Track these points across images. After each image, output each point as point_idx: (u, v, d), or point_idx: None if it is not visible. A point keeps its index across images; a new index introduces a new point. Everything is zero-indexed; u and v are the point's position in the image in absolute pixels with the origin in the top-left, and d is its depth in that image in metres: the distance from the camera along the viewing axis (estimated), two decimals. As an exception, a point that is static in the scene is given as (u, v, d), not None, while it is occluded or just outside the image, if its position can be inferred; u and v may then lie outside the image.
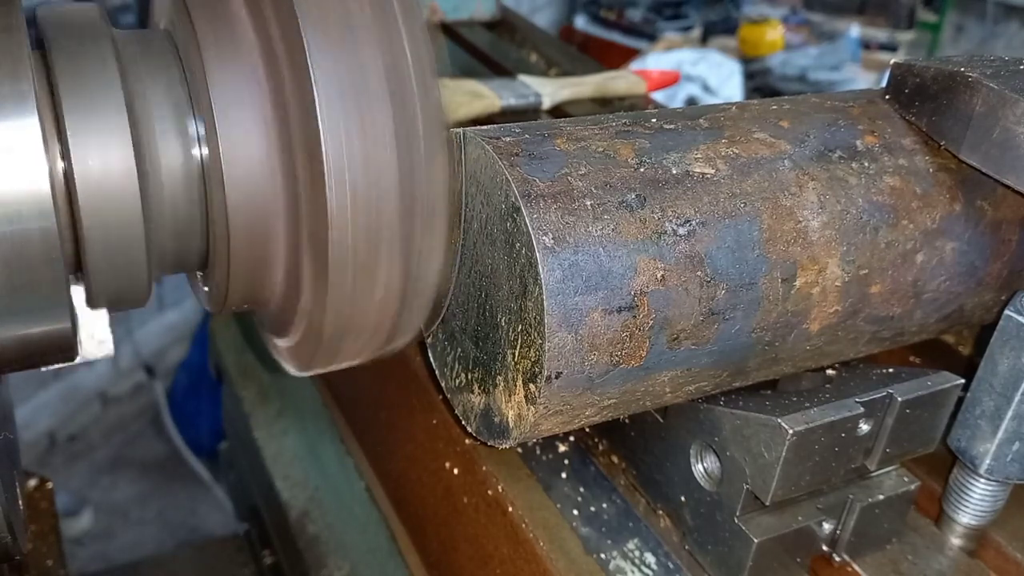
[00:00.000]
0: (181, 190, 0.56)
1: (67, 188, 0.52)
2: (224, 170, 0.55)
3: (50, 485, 1.07)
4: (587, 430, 0.84)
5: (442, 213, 0.56)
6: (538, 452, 0.82)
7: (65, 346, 0.56)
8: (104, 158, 0.52)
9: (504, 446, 0.69)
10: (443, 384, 0.76)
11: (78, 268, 0.55)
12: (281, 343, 0.65)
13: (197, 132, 0.56)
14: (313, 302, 0.57)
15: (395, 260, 0.55)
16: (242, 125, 0.55)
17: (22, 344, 0.54)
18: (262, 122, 0.55)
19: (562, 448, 0.83)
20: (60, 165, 0.51)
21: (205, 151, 0.56)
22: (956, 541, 0.75)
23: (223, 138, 0.55)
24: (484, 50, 1.62)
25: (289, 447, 1.44)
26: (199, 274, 0.66)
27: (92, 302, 0.58)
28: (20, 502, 0.67)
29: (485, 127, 0.68)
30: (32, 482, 1.07)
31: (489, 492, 0.79)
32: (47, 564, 1.00)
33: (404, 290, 0.57)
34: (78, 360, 0.63)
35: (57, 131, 0.51)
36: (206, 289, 0.64)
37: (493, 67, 1.55)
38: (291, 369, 0.66)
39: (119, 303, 0.58)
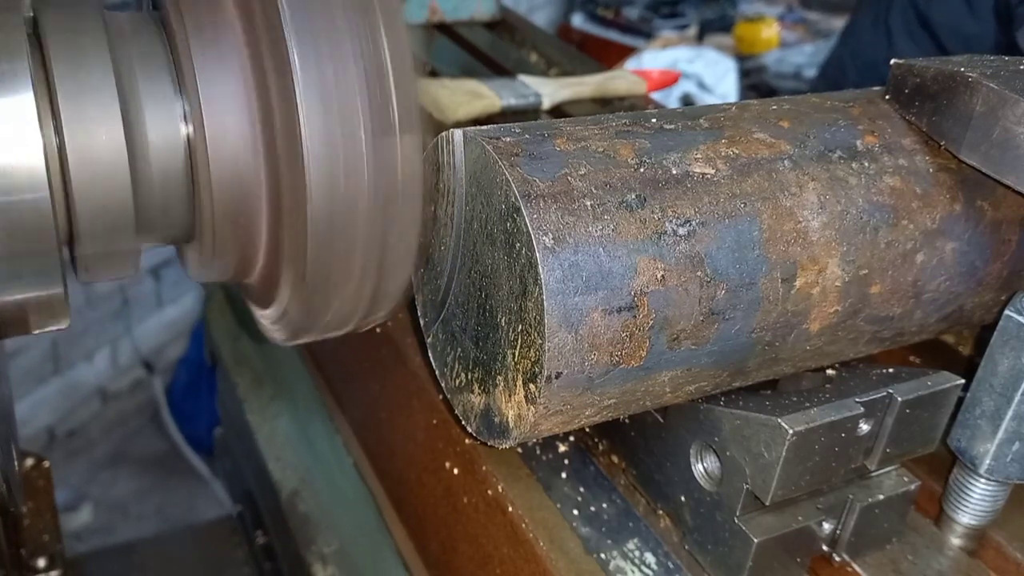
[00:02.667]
0: (168, 165, 0.59)
1: (60, 162, 0.55)
2: (209, 146, 0.58)
3: (47, 464, 1.11)
4: (587, 430, 0.84)
5: (417, 185, 0.59)
6: (538, 452, 0.82)
7: (58, 311, 0.60)
8: (95, 134, 0.55)
9: (504, 446, 0.69)
10: (443, 384, 0.76)
11: (70, 238, 0.58)
12: (267, 312, 0.68)
13: (184, 110, 0.59)
14: (295, 269, 0.60)
15: (372, 227, 0.58)
16: (226, 104, 0.58)
17: (17, 308, 0.57)
18: (245, 101, 0.58)
19: (562, 448, 0.83)
20: (54, 140, 0.54)
21: (191, 128, 0.59)
22: (956, 541, 0.75)
23: (207, 116, 0.58)
24: (484, 50, 1.62)
25: (281, 430, 1.46)
26: (187, 246, 0.68)
27: (83, 271, 0.61)
28: (16, 463, 0.69)
29: (485, 127, 0.68)
30: (29, 461, 1.11)
31: (489, 492, 0.79)
32: (44, 539, 1.06)
33: (382, 254, 0.60)
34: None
35: (51, 108, 0.54)
36: (193, 260, 0.67)
37: (493, 67, 1.55)
38: (278, 338, 0.68)
39: (109, 273, 0.62)
